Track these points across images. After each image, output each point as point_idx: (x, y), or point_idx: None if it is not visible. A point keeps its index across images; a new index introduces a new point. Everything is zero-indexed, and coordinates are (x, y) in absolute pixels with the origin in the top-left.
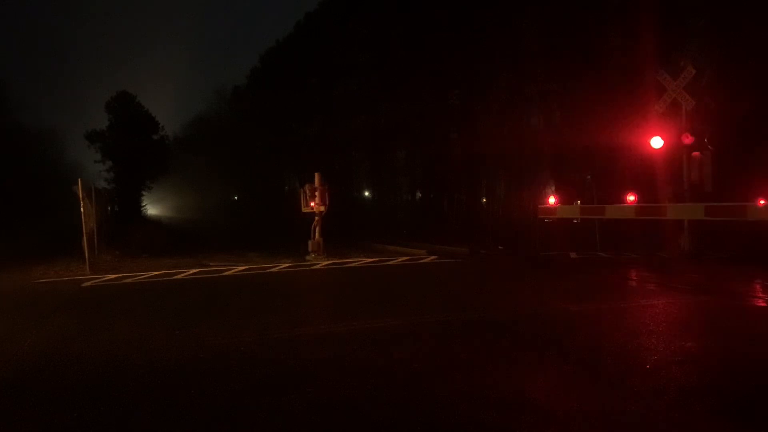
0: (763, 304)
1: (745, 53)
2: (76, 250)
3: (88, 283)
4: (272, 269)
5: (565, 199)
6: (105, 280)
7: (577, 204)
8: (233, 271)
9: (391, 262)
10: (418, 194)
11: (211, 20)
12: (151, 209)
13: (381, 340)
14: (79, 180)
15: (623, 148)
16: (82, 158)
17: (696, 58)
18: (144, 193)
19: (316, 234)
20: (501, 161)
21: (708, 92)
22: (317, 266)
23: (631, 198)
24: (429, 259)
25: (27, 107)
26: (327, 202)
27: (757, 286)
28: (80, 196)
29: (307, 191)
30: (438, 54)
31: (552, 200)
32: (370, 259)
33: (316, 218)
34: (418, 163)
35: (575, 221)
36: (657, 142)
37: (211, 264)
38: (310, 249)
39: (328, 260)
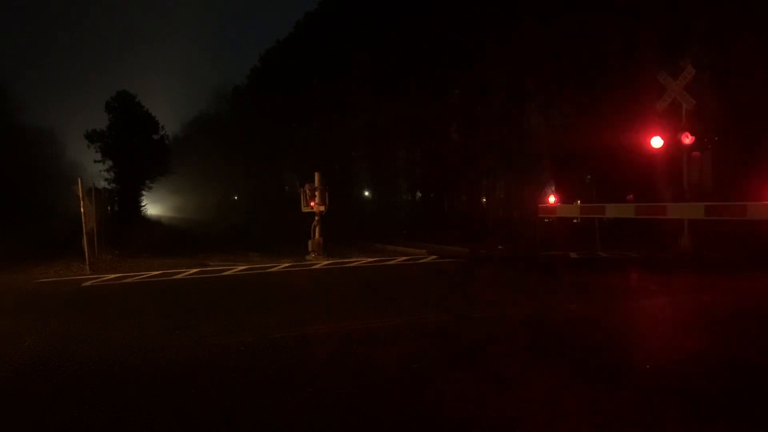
0: (763, 304)
1: (745, 53)
2: (76, 249)
3: (88, 283)
4: (272, 269)
5: (565, 200)
6: (105, 280)
7: (577, 203)
8: (233, 270)
9: (390, 262)
10: (418, 194)
11: (212, 20)
12: (151, 209)
13: (381, 340)
14: (79, 180)
15: (623, 148)
16: (82, 158)
17: (696, 58)
18: (144, 193)
19: (316, 234)
20: (501, 161)
21: (708, 92)
22: (317, 266)
23: (630, 197)
24: (429, 259)
25: (27, 107)
26: (327, 202)
27: (758, 286)
28: (80, 195)
29: (307, 191)
30: (438, 53)
31: (552, 199)
32: (369, 259)
33: (316, 218)
34: (418, 163)
35: (575, 221)
36: (657, 142)
37: (210, 264)
38: (310, 249)
39: (328, 260)
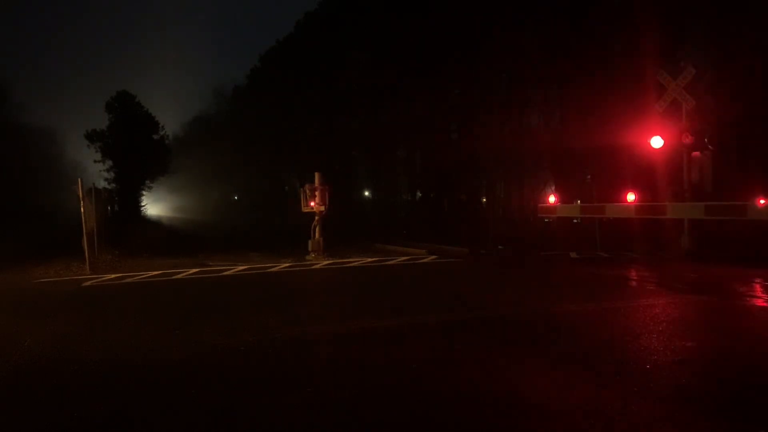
0: (763, 304)
1: (745, 53)
2: (76, 249)
3: (88, 283)
4: (272, 269)
5: (565, 200)
6: (105, 280)
7: (577, 203)
8: (233, 270)
9: (391, 262)
10: (418, 194)
11: (212, 20)
12: (151, 209)
13: (381, 339)
14: (79, 180)
15: (623, 148)
16: (82, 158)
17: (696, 58)
18: (144, 193)
19: (316, 234)
20: (501, 161)
21: (708, 92)
22: (317, 266)
23: (630, 197)
24: (429, 259)
25: (27, 107)
26: (327, 202)
27: (757, 286)
28: (80, 195)
29: (307, 191)
30: (438, 53)
31: (552, 199)
32: (370, 259)
33: (316, 218)
34: (418, 163)
35: (575, 221)
36: (657, 142)
37: (211, 264)
38: (310, 249)
39: (328, 260)
